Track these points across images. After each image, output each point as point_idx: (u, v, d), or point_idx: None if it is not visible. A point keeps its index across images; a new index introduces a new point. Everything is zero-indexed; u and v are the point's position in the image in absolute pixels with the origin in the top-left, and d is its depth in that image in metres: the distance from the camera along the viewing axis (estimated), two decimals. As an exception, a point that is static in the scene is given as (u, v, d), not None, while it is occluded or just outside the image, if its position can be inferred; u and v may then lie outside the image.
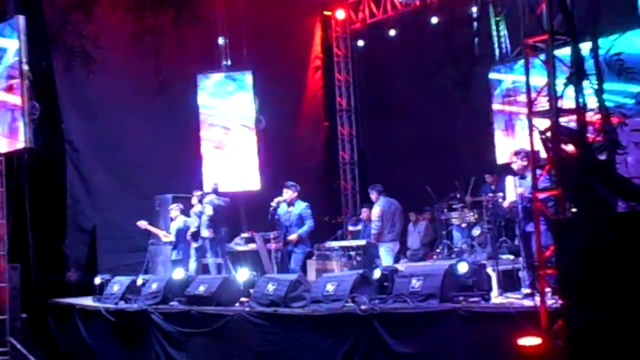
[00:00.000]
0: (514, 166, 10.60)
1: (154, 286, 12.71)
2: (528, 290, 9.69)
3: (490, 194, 13.43)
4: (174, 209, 14.98)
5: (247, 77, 17.60)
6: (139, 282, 13.19)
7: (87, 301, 13.97)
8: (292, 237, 12.98)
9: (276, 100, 18.15)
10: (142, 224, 15.04)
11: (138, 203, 16.46)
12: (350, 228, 17.08)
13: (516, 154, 10.55)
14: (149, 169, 16.67)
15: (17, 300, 13.68)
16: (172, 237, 14.88)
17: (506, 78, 15.26)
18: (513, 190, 10.63)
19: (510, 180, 10.84)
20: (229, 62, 17.97)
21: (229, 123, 17.68)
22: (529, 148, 8.06)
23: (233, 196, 16.97)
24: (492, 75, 15.49)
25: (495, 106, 15.68)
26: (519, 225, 10.61)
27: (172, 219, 14.98)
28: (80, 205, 16.23)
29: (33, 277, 13.97)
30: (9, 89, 13.13)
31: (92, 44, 11.08)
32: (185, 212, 15.02)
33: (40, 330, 14.34)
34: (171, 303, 12.29)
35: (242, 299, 11.68)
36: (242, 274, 12.48)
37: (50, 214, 15.25)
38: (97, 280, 14.20)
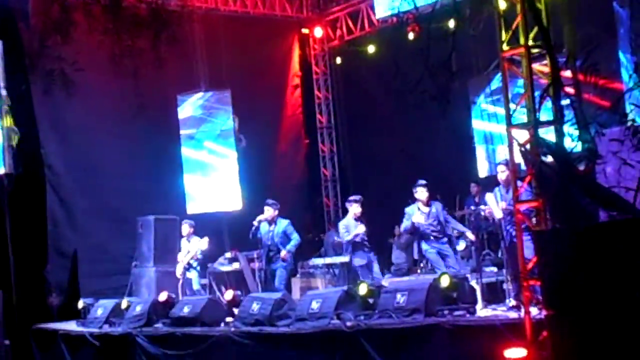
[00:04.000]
0: (501, 176, 10.65)
1: (138, 308, 12.68)
2: (513, 302, 9.75)
3: (473, 207, 13.51)
4: (187, 226, 14.76)
5: (226, 97, 17.62)
6: (124, 305, 13.15)
7: (71, 326, 13.90)
8: (282, 254, 12.98)
9: (256, 119, 18.19)
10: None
11: (119, 226, 16.41)
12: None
13: (505, 164, 10.60)
14: (129, 191, 16.62)
15: (0, 326, 13.61)
16: (190, 256, 14.57)
17: (484, 91, 15.36)
18: (495, 205, 10.68)
19: (490, 197, 10.89)
20: (208, 82, 18.00)
21: (209, 143, 17.69)
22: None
23: (216, 215, 16.98)
24: (471, 89, 15.57)
25: (475, 121, 15.76)
26: (503, 238, 10.66)
27: (184, 237, 14.72)
28: (61, 230, 16.15)
29: (16, 302, 13.89)
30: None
31: (71, 67, 11.07)
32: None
33: (24, 357, 14.24)
34: (156, 325, 12.27)
35: (227, 319, 11.68)
36: (227, 295, 12.48)
37: (31, 239, 15.19)
38: (80, 304, 14.15)
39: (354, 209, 13.07)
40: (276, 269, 13.03)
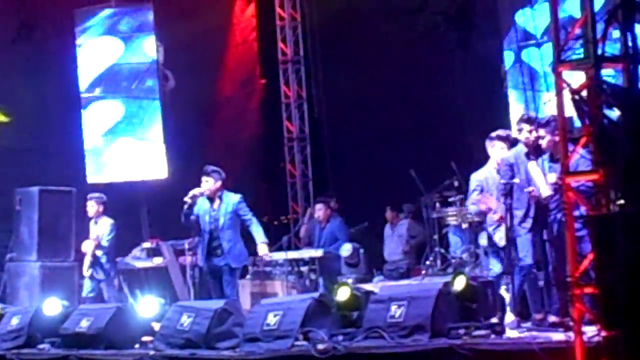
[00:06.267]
0: (542, 142, 10.62)
1: (15, 321, 12.65)
2: (557, 319, 9.82)
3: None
4: (94, 203, 14.67)
5: (146, 14, 17.54)
6: (-7, 315, 13.15)
7: None
8: (262, 249, 12.91)
9: (190, 48, 18.17)
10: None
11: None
12: (303, 232, 17.16)
13: (544, 124, 10.53)
14: (3, 151, 16.58)
15: None
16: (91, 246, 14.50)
17: (524, 14, 15.38)
18: (542, 178, 10.64)
19: (534, 167, 10.85)
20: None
21: (121, 81, 17.63)
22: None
23: (130, 188, 16.93)
24: (501, 8, 15.58)
25: (508, 53, 15.79)
26: (548, 226, 10.68)
27: (94, 218, 14.59)
28: None
29: None
30: None
31: None
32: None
33: None
34: (40, 346, 12.25)
35: (144, 338, 11.70)
36: (145, 303, 12.48)
37: None
38: None
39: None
40: (222, 266, 12.94)
